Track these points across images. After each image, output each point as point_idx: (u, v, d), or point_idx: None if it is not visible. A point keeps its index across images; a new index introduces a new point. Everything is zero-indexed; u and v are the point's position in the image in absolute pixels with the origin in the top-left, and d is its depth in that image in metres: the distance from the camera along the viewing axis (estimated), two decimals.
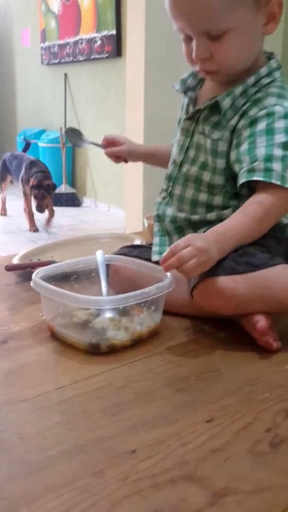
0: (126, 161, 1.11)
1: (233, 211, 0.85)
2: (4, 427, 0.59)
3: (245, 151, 0.82)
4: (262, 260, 0.77)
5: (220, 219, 0.86)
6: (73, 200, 5.08)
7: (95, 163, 5.03)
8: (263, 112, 0.83)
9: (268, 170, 0.79)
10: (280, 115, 0.82)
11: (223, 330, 0.82)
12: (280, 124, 0.82)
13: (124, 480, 0.51)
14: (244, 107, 0.86)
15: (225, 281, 0.75)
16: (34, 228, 3.81)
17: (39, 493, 0.49)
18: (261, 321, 0.75)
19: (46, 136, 5.24)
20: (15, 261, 1.06)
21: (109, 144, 1.11)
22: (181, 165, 0.94)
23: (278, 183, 0.79)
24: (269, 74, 0.88)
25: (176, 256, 0.72)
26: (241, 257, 0.77)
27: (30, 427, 0.59)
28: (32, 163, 3.91)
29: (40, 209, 3.81)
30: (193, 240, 0.73)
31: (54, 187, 3.98)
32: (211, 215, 0.89)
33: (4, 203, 4.31)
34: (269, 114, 0.83)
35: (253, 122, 0.84)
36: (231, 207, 0.88)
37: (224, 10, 0.79)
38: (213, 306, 0.78)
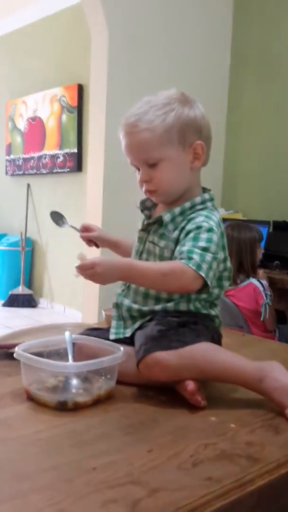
0: (97, 246, 1.38)
1: (175, 304, 1.12)
2: None
3: (177, 250, 1.10)
4: (189, 338, 1.02)
5: (165, 310, 1.13)
6: (29, 301, 5.28)
7: (53, 266, 5.31)
8: (194, 226, 1.11)
9: (189, 258, 1.05)
10: (205, 229, 1.09)
11: (163, 394, 1.05)
12: (204, 235, 1.09)
13: (88, 484, 0.72)
14: (183, 224, 1.14)
15: (162, 355, 1.00)
16: None
17: (27, 492, 0.70)
18: (190, 385, 0.99)
19: (7, 240, 5.53)
20: None
21: (84, 230, 1.38)
22: None
23: (194, 268, 1.04)
24: (202, 202, 1.17)
25: (83, 273, 1.06)
26: (174, 336, 1.02)
27: (16, 454, 0.80)
28: None
29: None
30: (97, 266, 1.05)
31: None
32: (158, 307, 1.14)
33: None
34: (198, 227, 1.10)
35: (187, 233, 1.11)
36: (174, 300, 1.14)
37: (156, 146, 1.11)
38: (153, 375, 1.02)
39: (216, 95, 3.80)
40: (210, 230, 1.10)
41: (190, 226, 1.12)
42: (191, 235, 1.10)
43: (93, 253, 1.38)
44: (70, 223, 1.43)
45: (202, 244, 1.07)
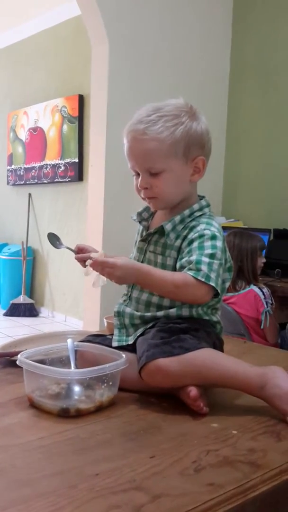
0: None
1: (177, 310, 1.13)
2: (0, 461, 0.80)
3: (184, 260, 1.11)
4: (191, 344, 1.03)
5: (167, 316, 1.14)
6: (30, 310, 5.27)
7: (54, 275, 5.31)
8: (197, 235, 1.13)
9: (198, 270, 1.07)
10: (208, 237, 1.12)
11: (165, 400, 1.05)
12: (208, 243, 1.11)
13: (91, 489, 0.72)
14: (184, 233, 1.16)
15: (163, 362, 1.01)
16: None
17: (31, 498, 0.70)
18: (193, 391, 0.99)
19: (8, 249, 5.53)
20: None
21: (79, 251, 1.35)
22: None
23: (203, 280, 1.06)
24: (200, 209, 1.19)
25: (101, 269, 1.10)
26: (176, 342, 1.03)
27: (20, 461, 0.80)
28: None
29: None
30: (117, 267, 1.07)
31: None
32: (160, 313, 1.15)
33: None
34: (200, 236, 1.13)
35: (191, 242, 1.13)
36: (176, 307, 1.14)
37: (161, 157, 1.13)
38: (155, 381, 1.03)
39: (216, 104, 3.82)
40: (213, 237, 1.12)
41: (192, 235, 1.14)
42: (195, 244, 1.12)
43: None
44: (66, 244, 1.41)
45: (208, 251, 1.10)
